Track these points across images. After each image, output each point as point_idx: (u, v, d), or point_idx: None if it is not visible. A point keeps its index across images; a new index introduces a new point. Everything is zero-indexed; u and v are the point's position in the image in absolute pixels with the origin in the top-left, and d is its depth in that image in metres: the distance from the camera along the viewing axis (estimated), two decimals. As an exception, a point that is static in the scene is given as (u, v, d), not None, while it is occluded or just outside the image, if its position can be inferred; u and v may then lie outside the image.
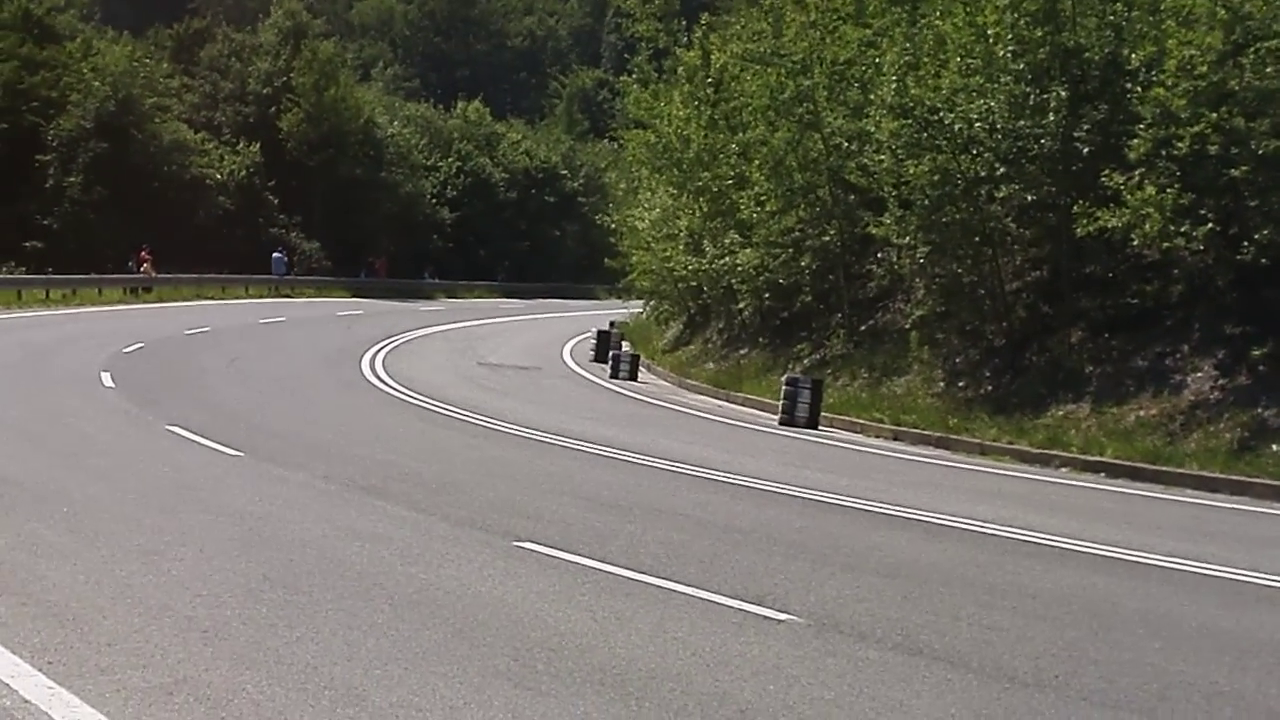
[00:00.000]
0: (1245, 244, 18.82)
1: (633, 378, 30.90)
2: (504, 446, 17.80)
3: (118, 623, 7.67)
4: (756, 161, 29.01)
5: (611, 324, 38.29)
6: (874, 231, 24.99)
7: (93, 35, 66.89)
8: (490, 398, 24.07)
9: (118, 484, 12.64)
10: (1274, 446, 17.81)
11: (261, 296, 55.81)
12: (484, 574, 9.50)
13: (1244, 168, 18.67)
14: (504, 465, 15.87)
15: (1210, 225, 19.12)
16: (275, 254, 60.02)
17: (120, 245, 53.26)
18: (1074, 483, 17.69)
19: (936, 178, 22.68)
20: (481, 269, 75.49)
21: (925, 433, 21.55)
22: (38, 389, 20.63)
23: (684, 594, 9.13)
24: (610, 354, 32.78)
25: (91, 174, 56.25)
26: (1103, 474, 18.37)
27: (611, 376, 30.85)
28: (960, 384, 23.17)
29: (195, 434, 16.32)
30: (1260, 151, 18.48)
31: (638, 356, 32.89)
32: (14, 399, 19.18)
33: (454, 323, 46.07)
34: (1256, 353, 19.16)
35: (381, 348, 33.23)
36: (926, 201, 23.02)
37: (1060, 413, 20.82)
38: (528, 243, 78.70)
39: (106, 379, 22.28)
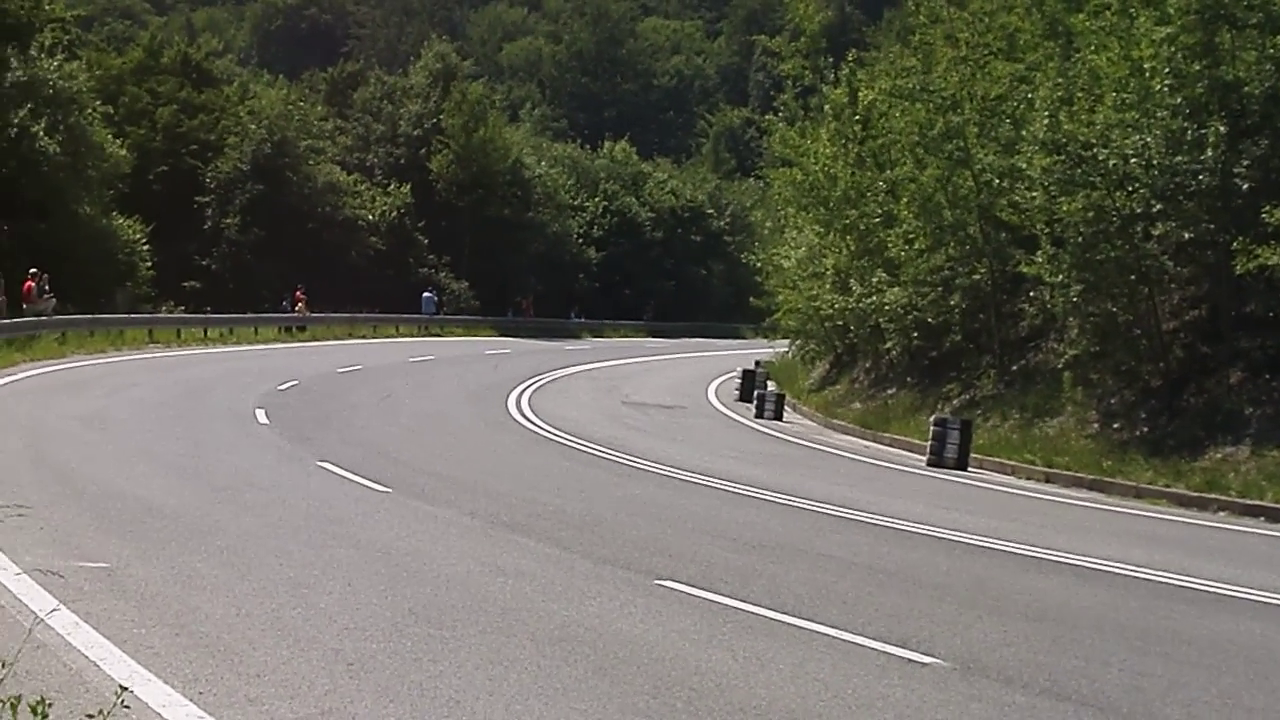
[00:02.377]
0: None
1: (778, 417, 30.75)
2: (647, 485, 17.82)
3: (267, 654, 7.80)
4: (905, 199, 28.75)
5: (757, 363, 38.16)
6: (1025, 270, 24.58)
7: (249, 79, 68.91)
8: (634, 436, 24.12)
9: (270, 518, 12.90)
10: None
11: (411, 335, 56.73)
12: (625, 612, 9.49)
13: None
14: (647, 504, 15.88)
15: (1377, 262, 18.50)
16: (425, 294, 60.96)
17: (276, 285, 54.59)
18: (1232, 527, 17.17)
19: (1090, 215, 22.24)
20: (627, 308, 75.88)
21: (1078, 475, 21.09)
22: (195, 425, 21.17)
23: (826, 635, 9.02)
24: (755, 393, 32.65)
25: (248, 215, 57.82)
26: (1262, 518, 17.80)
27: (756, 416, 30.73)
28: (1115, 425, 22.64)
29: (345, 470, 16.60)
30: None
31: (783, 396, 32.72)
32: (172, 435, 19.71)
33: (599, 362, 46.35)
34: None
35: (528, 386, 33.54)
36: (1080, 239, 22.58)
37: (1219, 455, 20.23)
38: (673, 282, 78.93)
39: (261, 416, 22.78)
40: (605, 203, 77.16)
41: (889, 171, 30.60)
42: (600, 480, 18.03)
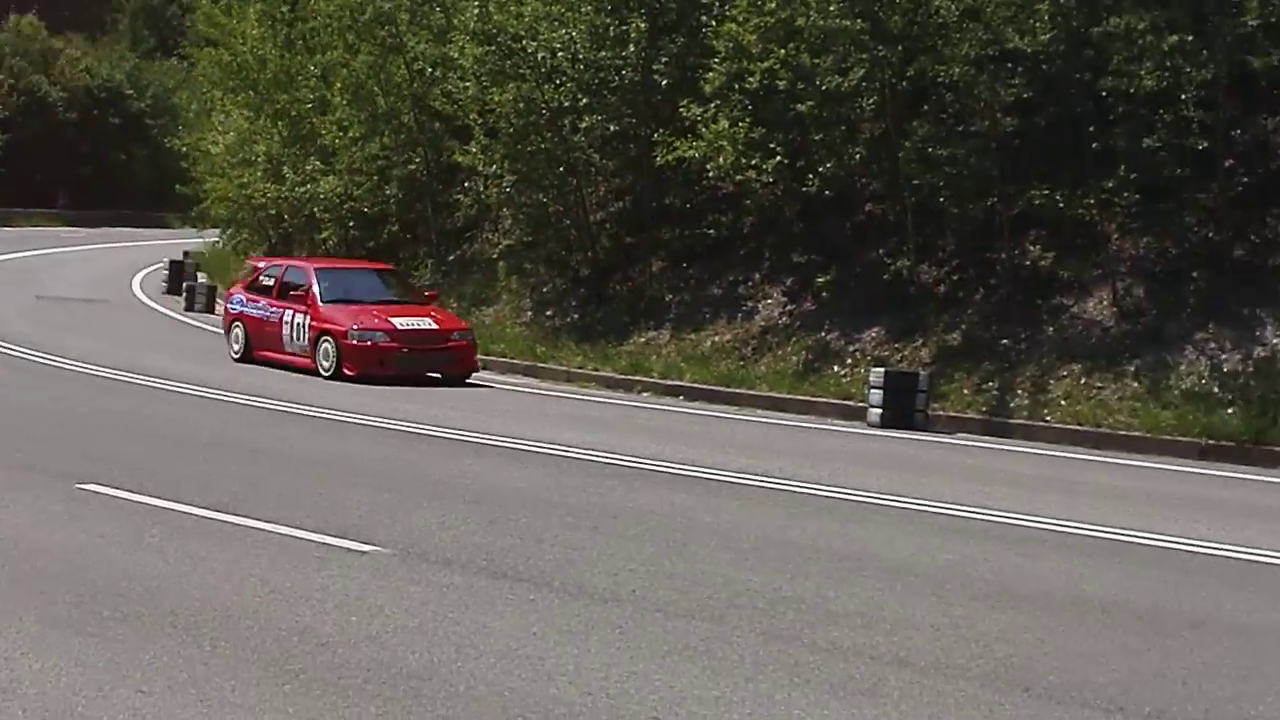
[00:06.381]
0: (810, 177, 19.65)
1: (210, 310, 29.72)
2: (66, 384, 16.81)
3: None
4: (338, 85, 28.18)
5: (185, 254, 36.68)
6: (460, 160, 24.80)
7: None
8: (51, 333, 22.65)
9: None
10: (835, 368, 18.80)
11: None
12: (43, 518, 8.97)
13: (809, 103, 19.45)
14: (67, 404, 14.99)
15: (779, 159, 19.83)
16: None
17: None
18: (655, 406, 18.16)
19: (521, 106, 22.68)
20: (39, 196, 71.00)
21: (514, 361, 21.65)
22: None
23: (262, 530, 8.83)
24: (185, 285, 31.49)
25: None
26: (681, 397, 18.93)
27: (187, 309, 29.64)
28: (548, 313, 23.37)
29: None
30: (824, 87, 19.23)
31: (215, 288, 31.64)
32: None
33: (7, 254, 43.16)
34: (820, 280, 20.12)
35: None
36: (512, 130, 23.01)
37: (643, 340, 21.32)
38: (90, 167, 74.48)
39: None
40: (11, 81, 71.63)
41: (320, 56, 29.90)
42: (11, 381, 16.82)
